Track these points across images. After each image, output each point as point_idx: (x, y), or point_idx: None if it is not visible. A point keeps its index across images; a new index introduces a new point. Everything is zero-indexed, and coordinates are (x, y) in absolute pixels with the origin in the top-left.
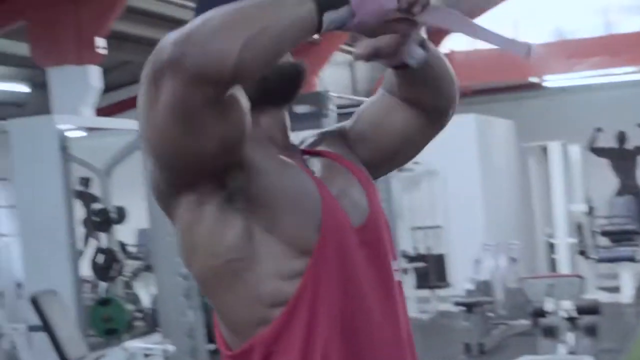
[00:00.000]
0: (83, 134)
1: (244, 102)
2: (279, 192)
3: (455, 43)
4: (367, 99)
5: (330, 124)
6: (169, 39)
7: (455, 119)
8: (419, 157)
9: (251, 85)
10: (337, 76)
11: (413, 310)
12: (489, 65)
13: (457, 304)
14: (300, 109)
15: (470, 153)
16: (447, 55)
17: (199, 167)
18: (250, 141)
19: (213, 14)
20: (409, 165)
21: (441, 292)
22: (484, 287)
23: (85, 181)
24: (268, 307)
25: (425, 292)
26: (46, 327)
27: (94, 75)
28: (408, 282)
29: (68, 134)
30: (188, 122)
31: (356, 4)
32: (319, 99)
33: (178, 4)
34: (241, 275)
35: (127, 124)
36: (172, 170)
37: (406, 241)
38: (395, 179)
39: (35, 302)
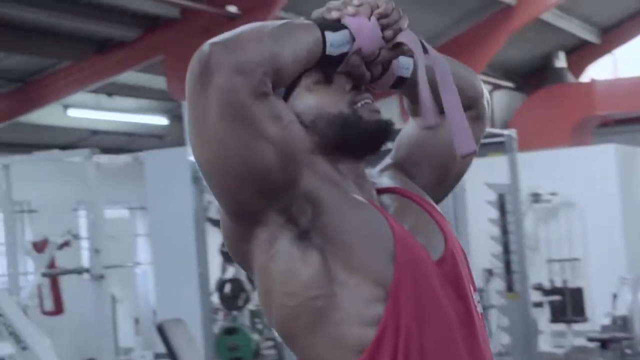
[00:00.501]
0: None
1: (298, 124)
2: (349, 228)
3: (596, 71)
4: (504, 131)
5: None
6: (206, 44)
7: (594, 148)
8: (556, 188)
9: (331, 134)
10: None
11: (547, 345)
12: (632, 93)
13: (590, 339)
14: None
15: (610, 184)
16: (588, 84)
17: (262, 186)
18: (322, 180)
19: (243, 29)
20: (546, 196)
21: (578, 326)
22: (622, 322)
23: None
24: (353, 352)
25: (560, 326)
26: (171, 354)
27: None
28: (543, 316)
29: None
30: (240, 118)
31: (355, 29)
32: None
33: None
34: (324, 314)
35: None
36: (237, 200)
37: (542, 274)
38: (531, 210)
39: (161, 330)
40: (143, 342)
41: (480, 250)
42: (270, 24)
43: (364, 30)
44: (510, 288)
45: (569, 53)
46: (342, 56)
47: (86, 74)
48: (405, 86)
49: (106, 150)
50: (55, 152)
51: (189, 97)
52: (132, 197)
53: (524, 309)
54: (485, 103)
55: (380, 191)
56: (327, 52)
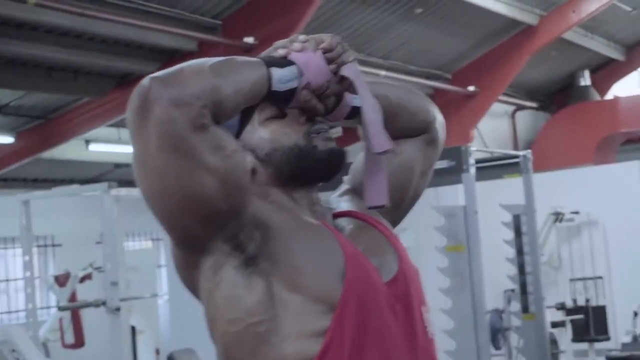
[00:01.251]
0: None
1: (242, 153)
2: (298, 248)
3: (619, 89)
4: (519, 152)
5: (470, 179)
6: (146, 78)
7: (618, 166)
8: (579, 207)
9: (286, 167)
10: (496, 128)
11: None
12: None
13: (609, 358)
14: (439, 163)
15: (635, 201)
16: (612, 101)
17: (205, 215)
18: (274, 207)
19: (185, 63)
20: (568, 215)
21: (600, 345)
22: None
23: None
24: None
25: (583, 346)
26: None
27: None
28: (565, 335)
29: None
30: (179, 150)
31: (302, 64)
32: (458, 154)
33: None
34: (264, 338)
35: None
36: (181, 229)
37: (564, 293)
38: (554, 229)
39: None
40: None
41: (498, 271)
42: (213, 59)
43: (312, 65)
44: (525, 309)
45: (593, 71)
46: (291, 91)
47: (107, 109)
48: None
49: (129, 182)
50: (74, 187)
51: (130, 130)
52: (155, 227)
53: (540, 330)
54: (438, 127)
55: (337, 215)
56: (275, 88)
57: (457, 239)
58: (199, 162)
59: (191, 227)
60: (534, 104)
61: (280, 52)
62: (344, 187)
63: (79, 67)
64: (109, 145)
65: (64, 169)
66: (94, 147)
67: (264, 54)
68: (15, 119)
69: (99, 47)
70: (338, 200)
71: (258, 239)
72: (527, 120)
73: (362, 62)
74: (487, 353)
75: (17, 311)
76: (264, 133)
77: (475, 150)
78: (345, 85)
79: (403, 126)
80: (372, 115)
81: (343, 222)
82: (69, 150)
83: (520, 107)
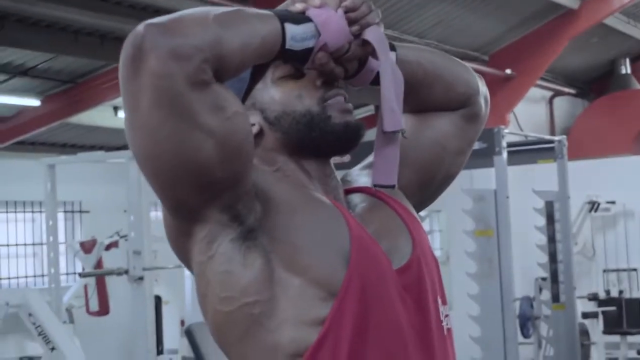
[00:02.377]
0: None
1: (245, 116)
2: (301, 227)
3: None
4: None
5: (502, 162)
6: (141, 25)
7: None
8: (615, 197)
9: (294, 133)
10: (533, 113)
11: (600, 356)
12: None
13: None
14: None
15: None
16: None
17: (201, 182)
18: (279, 177)
19: (187, 11)
20: (604, 205)
21: (632, 338)
22: None
23: None
24: (289, 357)
25: (615, 338)
26: (198, 358)
27: None
28: (596, 327)
29: None
30: (175, 108)
31: (321, 22)
32: (491, 136)
33: None
34: (259, 321)
35: None
36: (174, 196)
37: (597, 283)
38: (589, 218)
39: (189, 334)
40: (187, 344)
41: (530, 258)
42: (220, 8)
43: (331, 24)
44: (556, 298)
45: (634, 60)
46: (307, 51)
47: None
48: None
49: None
50: (100, 153)
51: (122, 83)
52: None
53: (570, 320)
54: (481, 100)
55: (351, 190)
56: (288, 46)
57: (487, 224)
58: (196, 122)
59: (185, 194)
60: (572, 91)
61: (298, 6)
62: (369, 159)
63: (106, 32)
64: None
65: (92, 135)
66: (122, 114)
67: (281, 7)
68: (43, 82)
69: (127, 12)
70: (359, 173)
71: (258, 211)
72: (564, 106)
73: (396, 41)
74: (514, 341)
75: (42, 275)
76: (275, 93)
77: (508, 132)
78: (368, 49)
79: (439, 98)
80: (389, 90)
81: (356, 198)
82: (98, 117)
83: (558, 93)
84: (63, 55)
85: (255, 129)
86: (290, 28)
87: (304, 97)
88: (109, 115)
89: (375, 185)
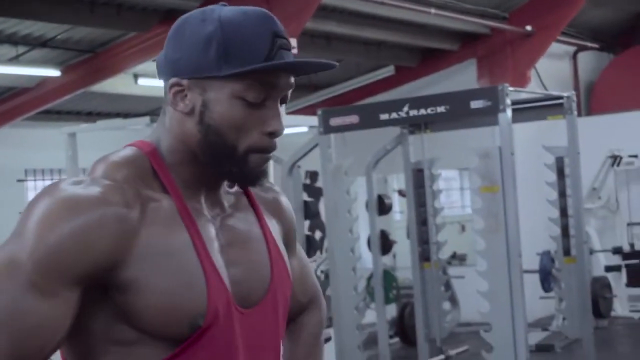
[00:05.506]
0: None
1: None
2: (155, 285)
3: None
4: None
5: (506, 119)
6: None
7: None
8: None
9: (209, 156)
10: (556, 69)
11: (623, 309)
12: None
13: None
14: (475, 104)
15: None
16: None
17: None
18: (150, 220)
19: None
20: (627, 158)
21: None
22: None
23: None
24: None
25: (637, 291)
26: None
27: None
28: (620, 280)
29: None
30: None
31: None
32: (494, 94)
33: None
34: None
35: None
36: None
37: (621, 237)
38: (612, 173)
39: None
40: None
41: (550, 214)
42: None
43: None
44: (567, 252)
45: None
46: None
47: (152, 43)
48: None
49: None
50: (118, 121)
51: None
52: None
53: (580, 273)
54: None
55: (247, 194)
56: None
57: (492, 180)
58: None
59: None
60: (596, 45)
61: None
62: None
63: (122, 2)
64: (158, 81)
65: (114, 103)
66: (143, 81)
67: None
68: (63, 52)
69: None
70: (268, 190)
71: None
72: (589, 61)
73: (414, 0)
74: (519, 295)
75: None
76: (225, 105)
77: (512, 90)
78: None
79: None
80: None
81: (238, 216)
82: (119, 85)
83: (582, 48)
84: (78, 26)
85: (187, 108)
86: None
87: (242, 131)
88: (129, 83)
89: None
